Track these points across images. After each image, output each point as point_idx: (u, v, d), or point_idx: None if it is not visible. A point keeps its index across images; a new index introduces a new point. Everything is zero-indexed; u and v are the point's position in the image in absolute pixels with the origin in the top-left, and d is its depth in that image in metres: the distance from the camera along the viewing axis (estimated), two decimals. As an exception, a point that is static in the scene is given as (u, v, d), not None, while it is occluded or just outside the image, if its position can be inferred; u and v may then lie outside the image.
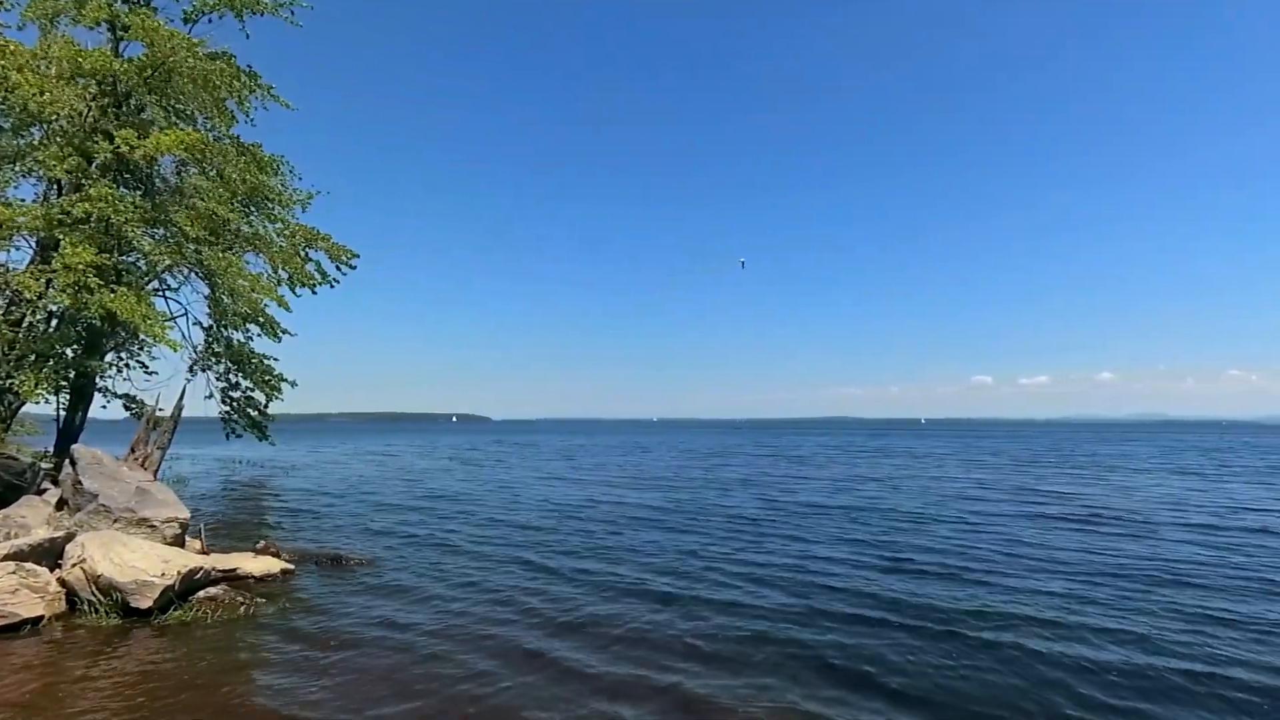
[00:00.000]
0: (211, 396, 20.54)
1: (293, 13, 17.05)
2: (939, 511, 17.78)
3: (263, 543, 11.58)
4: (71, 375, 15.62)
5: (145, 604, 8.02)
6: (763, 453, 49.71)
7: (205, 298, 17.93)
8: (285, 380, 21.11)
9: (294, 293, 19.92)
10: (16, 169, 14.59)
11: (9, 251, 14.56)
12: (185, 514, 10.60)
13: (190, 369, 19.20)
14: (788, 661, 7.09)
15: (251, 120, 17.79)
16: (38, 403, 15.11)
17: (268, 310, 18.27)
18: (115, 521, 9.81)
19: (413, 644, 7.48)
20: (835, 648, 7.46)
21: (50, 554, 8.62)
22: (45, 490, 11.78)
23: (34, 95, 13.33)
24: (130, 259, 16.30)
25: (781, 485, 24.90)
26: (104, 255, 13.68)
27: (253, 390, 21.03)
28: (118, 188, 14.84)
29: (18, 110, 13.69)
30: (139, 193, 15.82)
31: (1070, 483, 25.96)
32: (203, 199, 15.89)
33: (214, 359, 19.94)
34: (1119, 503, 19.72)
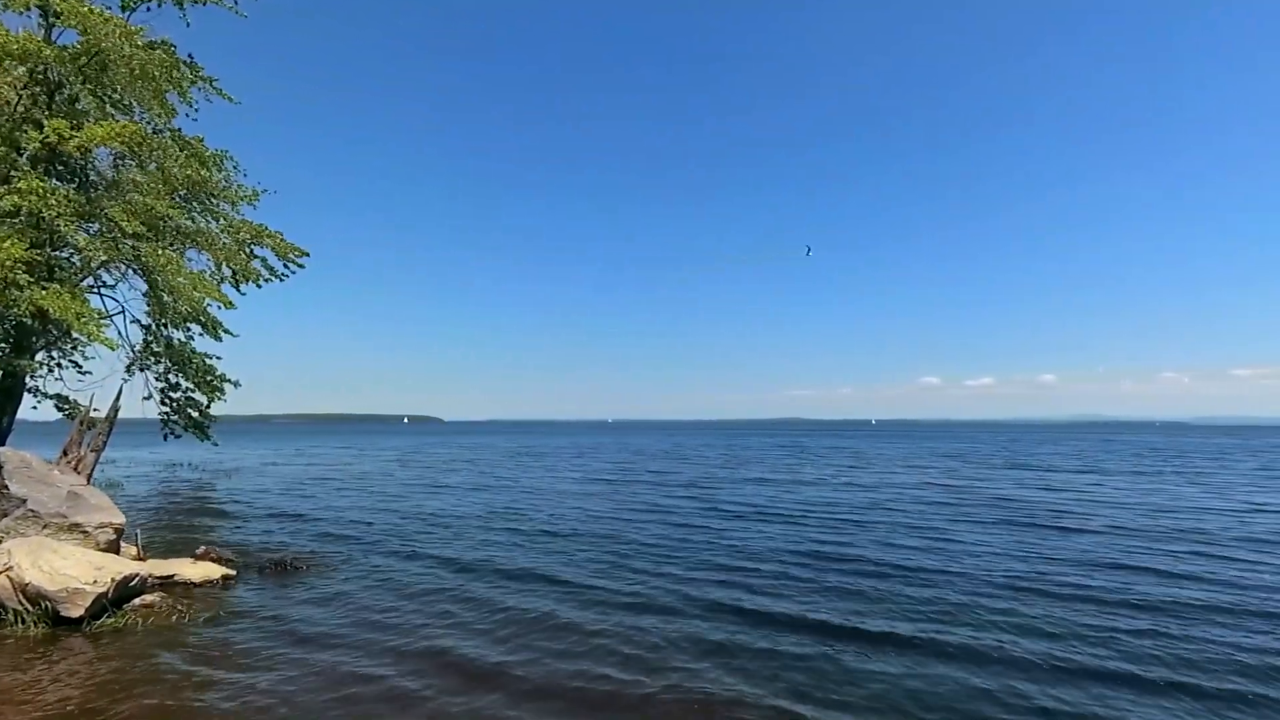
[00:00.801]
0: (150, 397, 19.85)
1: (236, 2, 16.62)
2: (870, 513, 18.30)
3: (203, 548, 11.33)
4: (-1, 375, 14.98)
5: (76, 612, 7.80)
6: (712, 453, 50.37)
7: (144, 295, 17.34)
8: (228, 380, 20.56)
9: (239, 290, 19.45)
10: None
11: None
12: (120, 519, 10.29)
13: (128, 369, 18.55)
14: (704, 656, 7.34)
15: (194, 114, 17.32)
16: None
17: (210, 309, 17.80)
18: (45, 528, 9.48)
19: (344, 660, 7.23)
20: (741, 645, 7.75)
21: (-27, 562, 8.29)
22: (-32, 496, 11.27)
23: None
24: (64, 254, 15.70)
25: (723, 487, 25.15)
26: (35, 251, 13.17)
27: (194, 391, 20.41)
28: (50, 180, 14.28)
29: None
30: (73, 186, 15.25)
31: (1010, 484, 27.15)
32: (141, 193, 15.41)
33: (153, 358, 19.29)
34: (1048, 502, 20.67)
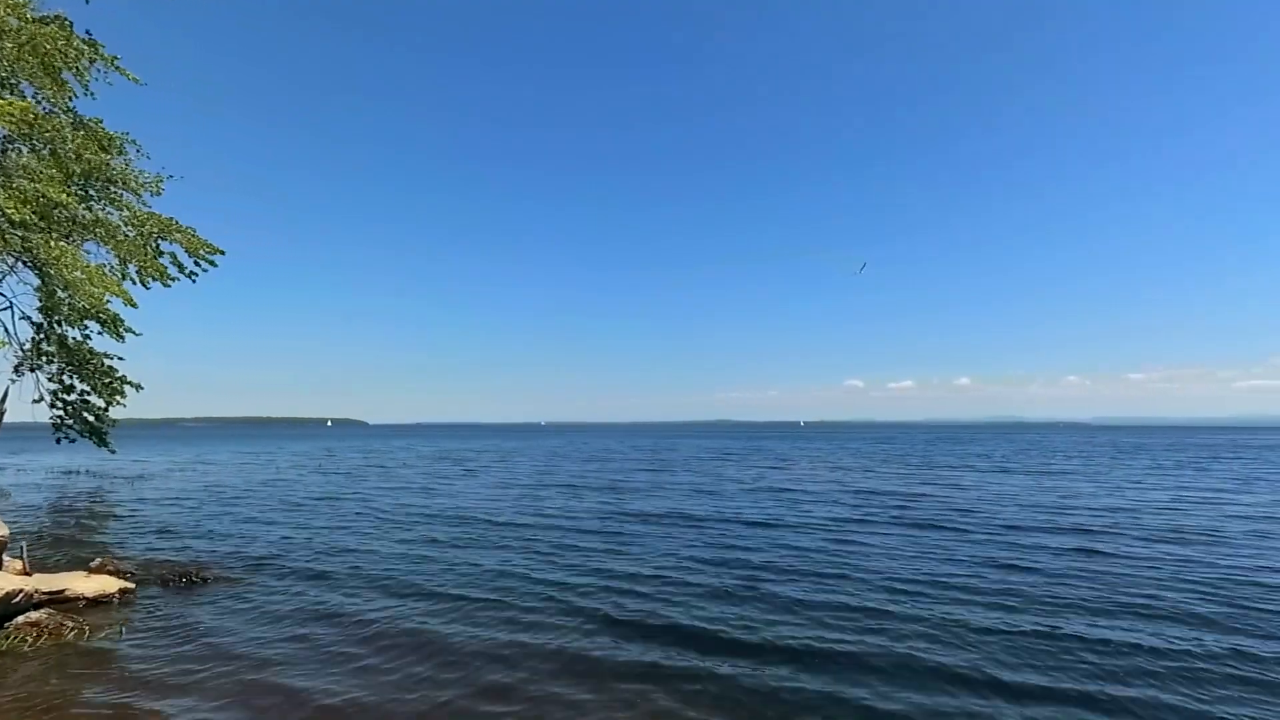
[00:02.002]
0: (41, 400, 18.36)
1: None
2: (780, 514, 18.77)
3: (98, 560, 10.57)
4: None
5: (-53, 634, 7.11)
6: (639, 456, 50.70)
7: (35, 290, 16.02)
8: (129, 383, 19.22)
9: (144, 286, 18.21)
10: None
11: None
12: (2, 531, 9.47)
13: (16, 369, 17.08)
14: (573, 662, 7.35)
15: (92, 95, 16.12)
16: None
17: (110, 306, 16.60)
18: (-88, 542, 8.62)
19: (255, 677, 6.87)
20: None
21: None
22: None
23: None
24: (-62, 245, 14.34)
25: (639, 491, 24.99)
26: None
27: (90, 393, 18.99)
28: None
29: None
30: (-50, 169, 13.97)
31: (918, 483, 28.55)
32: (31, 179, 14.24)
33: (44, 358, 17.83)
34: (953, 501, 21.71)
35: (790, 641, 7.85)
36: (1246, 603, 9.50)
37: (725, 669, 7.02)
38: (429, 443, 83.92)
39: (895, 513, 18.65)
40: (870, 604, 9.35)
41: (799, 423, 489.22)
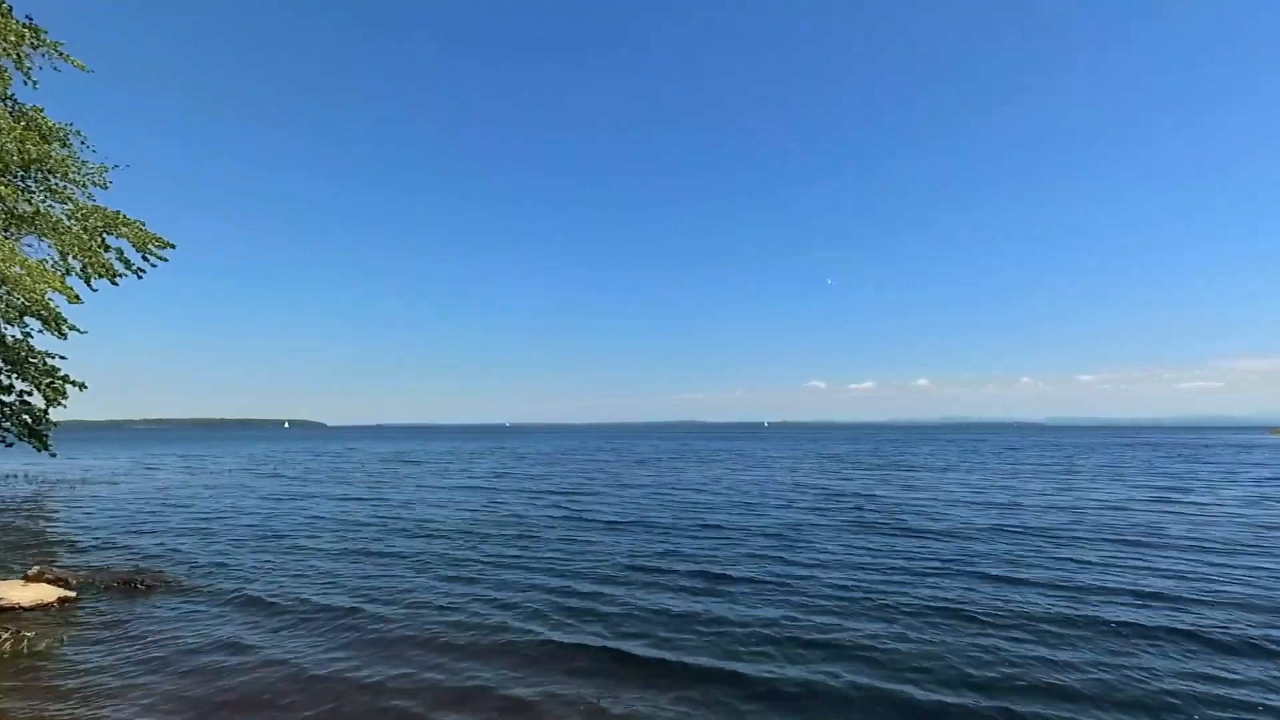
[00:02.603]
0: (-26, 401, 17.58)
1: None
2: (733, 517, 18.93)
3: (37, 568, 10.14)
4: None
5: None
6: (602, 456, 50.74)
7: (-32, 285, 15.32)
8: (73, 382, 18.53)
9: (89, 284, 17.55)
10: None
11: None
12: (-68, 538, 9.01)
13: (-54, 368, 16.33)
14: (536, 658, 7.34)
15: (32, 81, 15.50)
16: None
17: (52, 302, 15.97)
18: None
19: (185, 685, 6.65)
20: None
21: None
22: None
23: None
24: None
25: (597, 493, 24.66)
26: None
27: (30, 394, 18.25)
28: None
29: None
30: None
31: (876, 483, 29.01)
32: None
33: (-22, 356, 17.09)
34: (907, 502, 22.19)
35: (737, 656, 7.65)
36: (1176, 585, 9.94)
37: (662, 687, 6.73)
38: (388, 444, 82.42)
39: (851, 513, 18.89)
40: (816, 614, 9.06)
41: (763, 423, 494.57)
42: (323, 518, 18.32)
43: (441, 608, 9.42)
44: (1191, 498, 22.62)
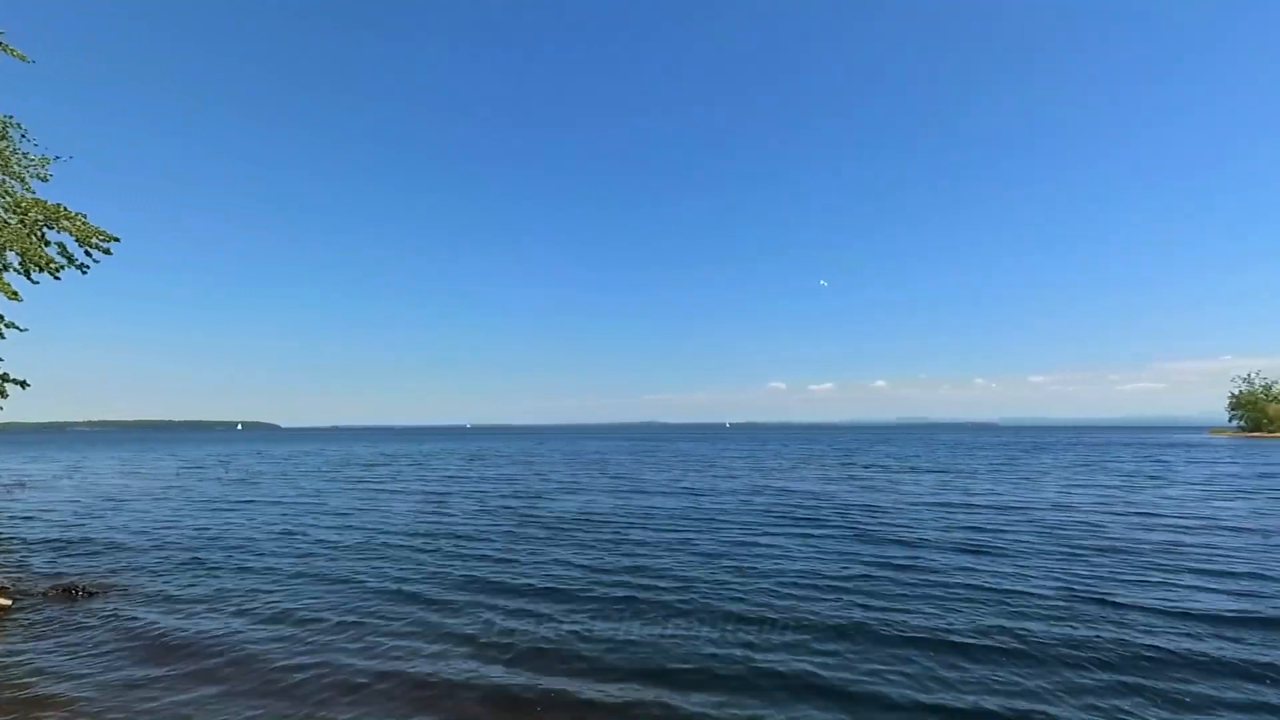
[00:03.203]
0: (-98, 403, 16.73)
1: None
2: (686, 520, 19.31)
3: (-31, 575, 9.80)
4: None
5: None
6: (557, 458, 50.65)
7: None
8: (13, 380, 17.77)
9: (29, 279, 16.88)
10: None
11: None
12: None
13: (-128, 369, 15.52)
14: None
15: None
16: None
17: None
18: None
19: (116, 694, 6.63)
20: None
21: None
22: None
23: None
24: None
25: (545, 497, 24.73)
26: None
27: (-38, 395, 17.45)
28: None
29: None
30: None
31: (825, 483, 29.91)
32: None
33: (-93, 356, 16.27)
34: (861, 503, 22.97)
35: (674, 657, 7.70)
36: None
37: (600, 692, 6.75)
38: (342, 446, 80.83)
39: (797, 514, 19.12)
40: (761, 614, 9.16)
41: (725, 424, 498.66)
42: (264, 524, 17.87)
43: (375, 616, 9.39)
44: (1140, 492, 23.81)
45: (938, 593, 10.12)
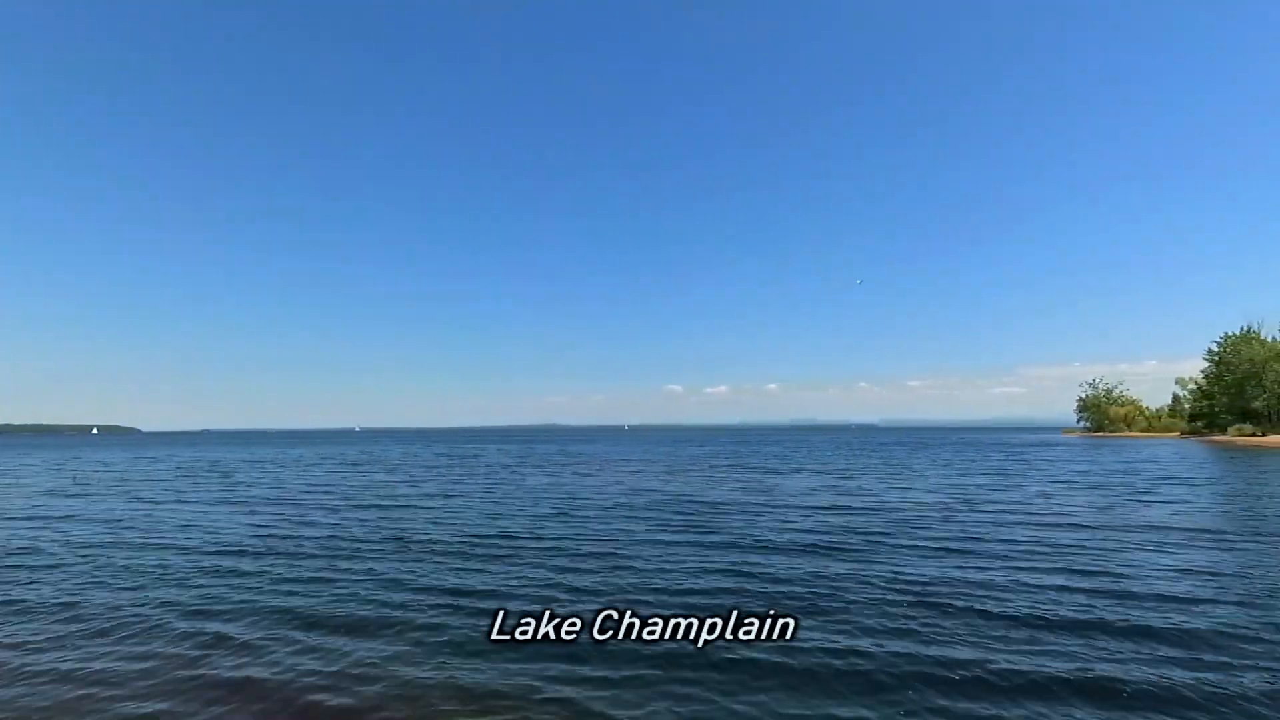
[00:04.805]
0: None
1: None
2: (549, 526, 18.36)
3: None
4: None
5: None
6: (435, 461, 48.51)
7: None
8: None
9: None
10: None
11: None
12: None
13: None
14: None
15: None
16: None
17: None
18: None
19: None
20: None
21: None
22: None
23: None
24: None
25: (404, 503, 22.64)
26: None
27: None
28: None
29: None
30: None
31: (708, 484, 29.64)
32: None
33: None
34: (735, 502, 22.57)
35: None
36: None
37: None
38: (200, 451, 74.23)
39: (668, 515, 18.69)
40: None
41: (624, 426, 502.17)
42: (84, 538, 15.85)
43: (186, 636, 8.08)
44: (1009, 492, 24.91)
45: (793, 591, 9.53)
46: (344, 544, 14.56)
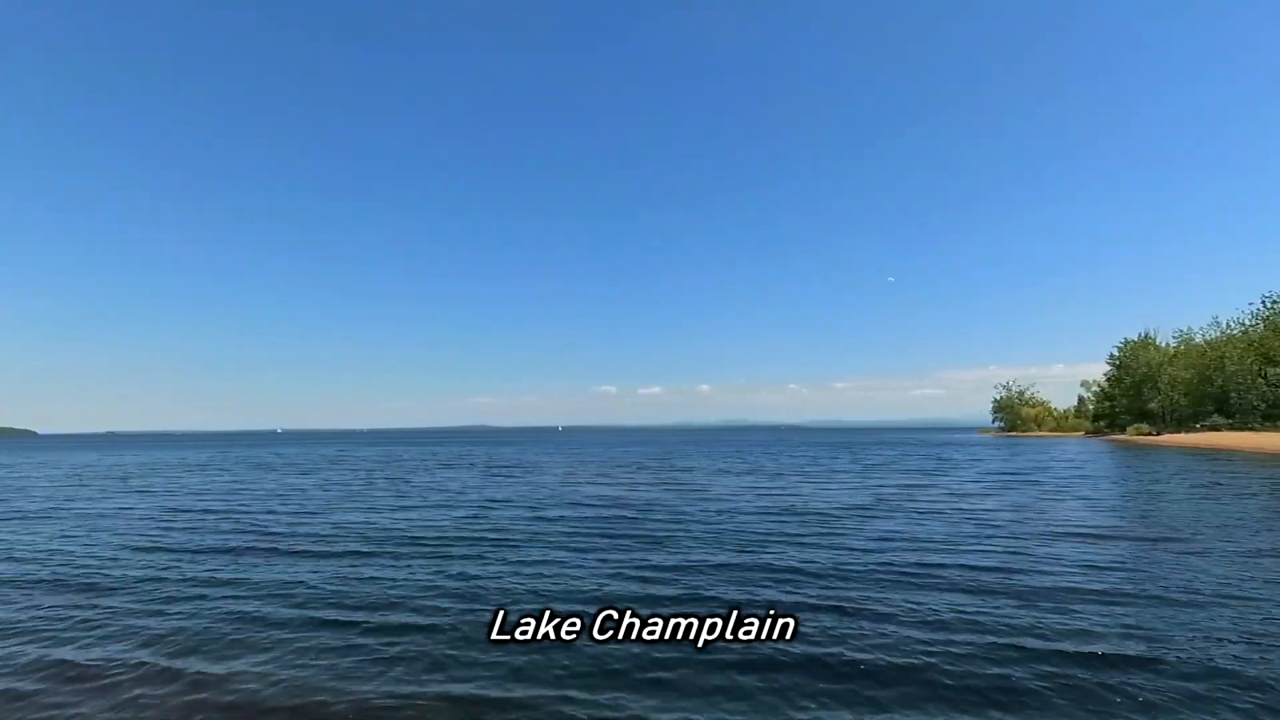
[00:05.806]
0: None
1: None
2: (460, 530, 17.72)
3: None
4: None
5: None
6: (365, 465, 46.45)
7: None
8: None
9: None
10: None
11: None
12: None
13: None
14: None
15: None
16: None
17: None
18: None
19: None
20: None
21: None
22: None
23: None
24: None
25: (316, 510, 20.83)
26: None
27: None
28: None
29: None
30: None
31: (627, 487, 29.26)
32: None
33: None
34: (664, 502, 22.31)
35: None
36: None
37: None
38: (103, 455, 68.95)
39: (598, 515, 18.34)
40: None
41: (557, 428, 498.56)
42: None
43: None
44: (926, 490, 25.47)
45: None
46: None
